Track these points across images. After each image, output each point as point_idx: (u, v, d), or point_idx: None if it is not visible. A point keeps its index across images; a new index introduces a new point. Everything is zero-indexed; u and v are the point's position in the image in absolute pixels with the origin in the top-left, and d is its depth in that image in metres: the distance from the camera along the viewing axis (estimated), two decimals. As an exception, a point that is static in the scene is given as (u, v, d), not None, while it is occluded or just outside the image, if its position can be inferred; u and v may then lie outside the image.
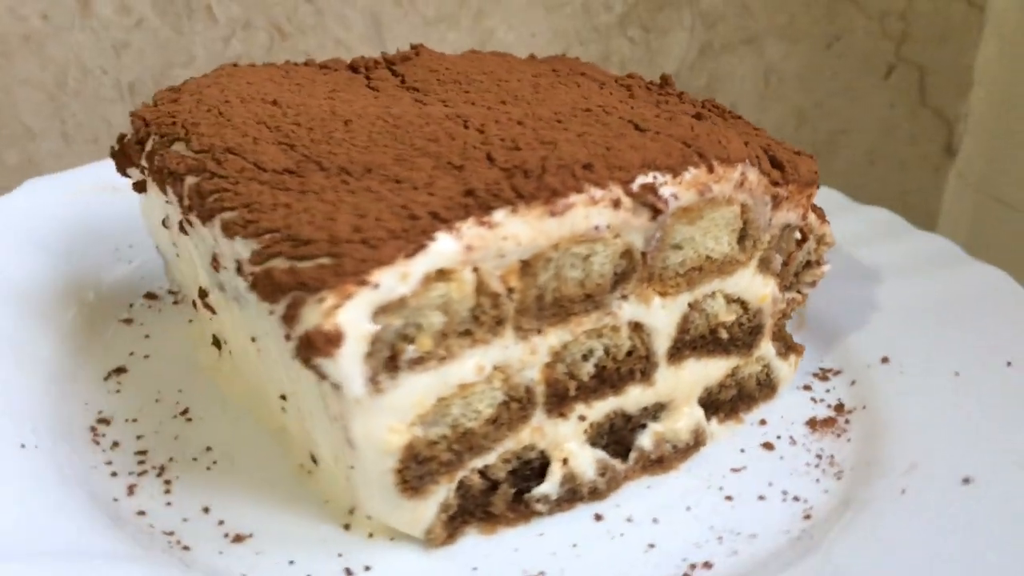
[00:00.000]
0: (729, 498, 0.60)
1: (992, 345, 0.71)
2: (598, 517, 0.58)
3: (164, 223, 0.66)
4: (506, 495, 0.56)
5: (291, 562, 0.53)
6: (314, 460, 0.58)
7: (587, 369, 0.57)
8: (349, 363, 0.46)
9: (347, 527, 0.56)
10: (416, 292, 0.48)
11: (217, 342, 0.68)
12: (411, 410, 0.50)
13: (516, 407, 0.55)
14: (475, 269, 0.50)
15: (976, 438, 0.62)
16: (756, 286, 0.64)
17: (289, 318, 0.46)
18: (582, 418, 0.58)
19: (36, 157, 0.95)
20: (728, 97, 1.08)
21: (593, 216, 0.53)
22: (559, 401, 0.57)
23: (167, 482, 0.59)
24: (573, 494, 0.58)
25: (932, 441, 0.63)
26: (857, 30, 1.08)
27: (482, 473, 0.55)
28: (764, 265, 0.64)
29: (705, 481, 0.62)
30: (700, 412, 0.64)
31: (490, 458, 0.55)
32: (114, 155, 0.67)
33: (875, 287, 0.81)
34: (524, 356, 0.54)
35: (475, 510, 0.56)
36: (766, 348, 0.67)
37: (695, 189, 0.56)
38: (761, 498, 0.60)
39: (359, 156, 0.54)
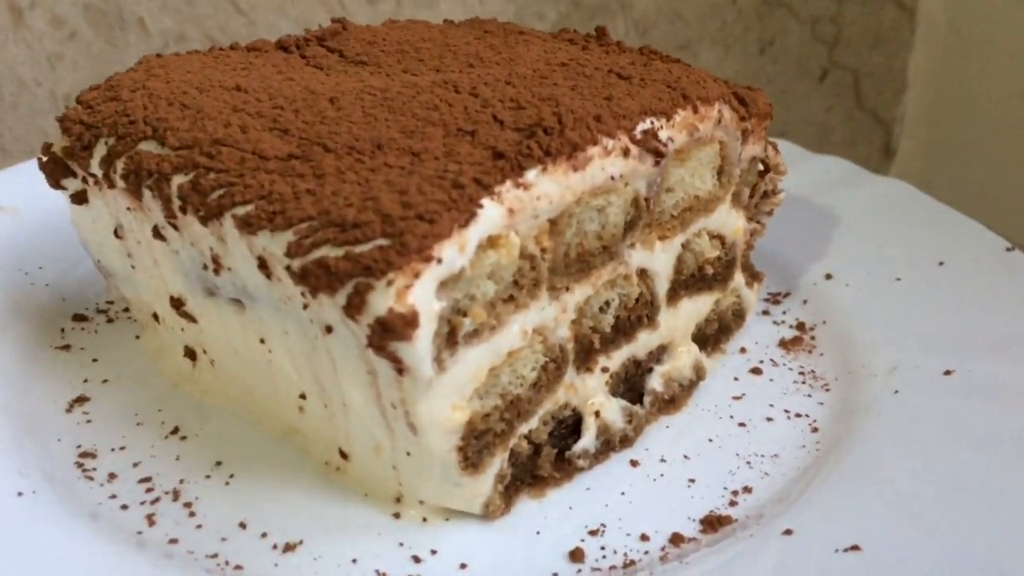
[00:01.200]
0: (742, 424, 0.63)
1: (922, 247, 0.77)
2: (634, 463, 0.59)
3: (116, 233, 0.61)
4: (550, 456, 0.56)
5: (354, 560, 0.51)
6: (344, 456, 0.56)
7: (608, 320, 0.58)
8: (423, 344, 0.44)
9: (397, 516, 0.54)
10: (472, 262, 0.46)
11: (191, 353, 0.63)
12: (469, 385, 0.49)
13: (553, 367, 0.55)
14: (515, 232, 0.49)
15: (939, 333, 0.68)
16: (732, 220, 0.66)
17: (355, 306, 0.43)
18: (604, 370, 0.59)
19: None
20: None
21: (608, 167, 0.53)
22: (586, 356, 0.57)
23: (187, 505, 0.55)
24: (607, 445, 0.59)
25: (901, 343, 0.68)
26: (790, 35, 1.10)
27: (527, 438, 0.55)
28: (736, 199, 0.66)
29: (715, 413, 0.64)
30: (695, 348, 0.66)
31: (533, 422, 0.55)
32: (45, 166, 0.61)
33: (802, 211, 0.85)
34: (557, 315, 0.54)
35: (524, 476, 0.55)
36: (738, 279, 0.70)
37: (686, 130, 0.58)
38: (769, 419, 0.63)
39: (362, 132, 0.52)
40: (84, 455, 0.58)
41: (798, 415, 0.64)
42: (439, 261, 0.44)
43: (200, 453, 0.59)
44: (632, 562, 0.51)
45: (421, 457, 0.50)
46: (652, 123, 0.55)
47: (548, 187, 0.50)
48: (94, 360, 0.68)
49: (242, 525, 0.53)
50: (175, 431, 0.60)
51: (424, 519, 0.54)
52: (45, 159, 0.61)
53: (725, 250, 0.67)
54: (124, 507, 0.55)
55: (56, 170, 0.61)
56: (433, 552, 0.52)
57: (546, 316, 0.53)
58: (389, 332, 0.43)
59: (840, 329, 0.72)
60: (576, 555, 0.52)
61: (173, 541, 0.52)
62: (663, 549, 0.52)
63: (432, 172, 0.48)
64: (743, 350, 0.71)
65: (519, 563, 0.51)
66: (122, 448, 0.59)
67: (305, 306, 0.48)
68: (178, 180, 0.51)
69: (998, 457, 0.55)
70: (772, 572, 0.48)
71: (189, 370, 0.64)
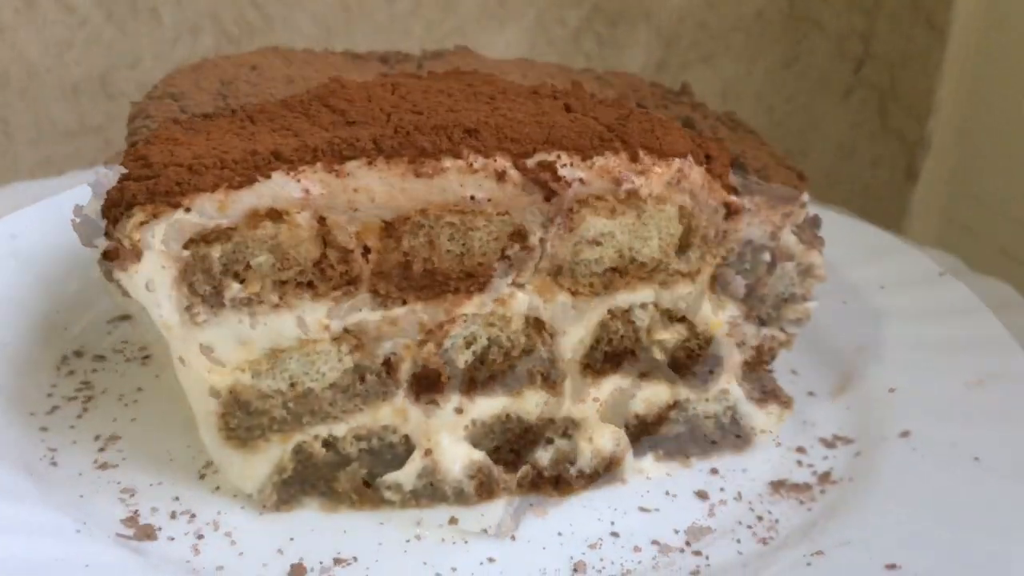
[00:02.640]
0: (615, 535, 0.53)
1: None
2: (453, 520, 0.53)
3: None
4: (354, 474, 0.53)
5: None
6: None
7: (465, 356, 0.53)
8: (148, 279, 0.46)
9: (201, 477, 0.55)
10: (240, 227, 0.47)
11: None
12: (236, 352, 0.49)
13: (373, 379, 0.52)
14: (322, 219, 0.48)
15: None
16: (706, 308, 0.56)
17: (107, 233, 0.47)
18: (459, 411, 0.54)
19: None
20: None
21: (469, 185, 0.49)
22: (429, 385, 0.53)
23: (228, 534, 0.53)
24: (432, 490, 0.53)
25: (882, 527, 0.52)
26: (816, 51, 1.04)
27: (327, 443, 0.53)
28: (720, 286, 0.56)
29: (597, 512, 0.54)
30: (624, 441, 0.56)
31: (338, 429, 0.53)
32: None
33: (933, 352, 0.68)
34: (383, 325, 0.51)
35: (317, 482, 0.53)
36: (730, 387, 0.59)
37: (608, 177, 0.51)
38: (655, 543, 0.52)
39: (273, 109, 0.54)
40: (125, 491, 0.56)
41: (696, 553, 0.52)
42: (187, 210, 0.46)
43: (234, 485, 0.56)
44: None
45: (196, 412, 0.51)
46: (558, 157, 0.50)
47: (373, 183, 0.48)
48: (119, 398, 0.64)
49: (280, 551, 0.52)
50: (208, 465, 0.57)
51: (217, 488, 0.54)
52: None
53: (698, 341, 0.57)
54: (171, 539, 0.52)
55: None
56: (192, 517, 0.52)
57: (365, 320, 0.51)
58: (110, 258, 0.45)
59: (859, 490, 0.56)
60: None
61: (220, 568, 0.51)
62: None
63: (263, 143, 0.49)
64: (714, 471, 0.59)
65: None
66: (160, 483, 0.56)
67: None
68: (136, 123, 0.59)
69: None
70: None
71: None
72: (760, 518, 0.55)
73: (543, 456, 0.55)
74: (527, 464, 0.55)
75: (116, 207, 0.47)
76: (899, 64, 1.06)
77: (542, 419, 0.56)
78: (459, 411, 0.54)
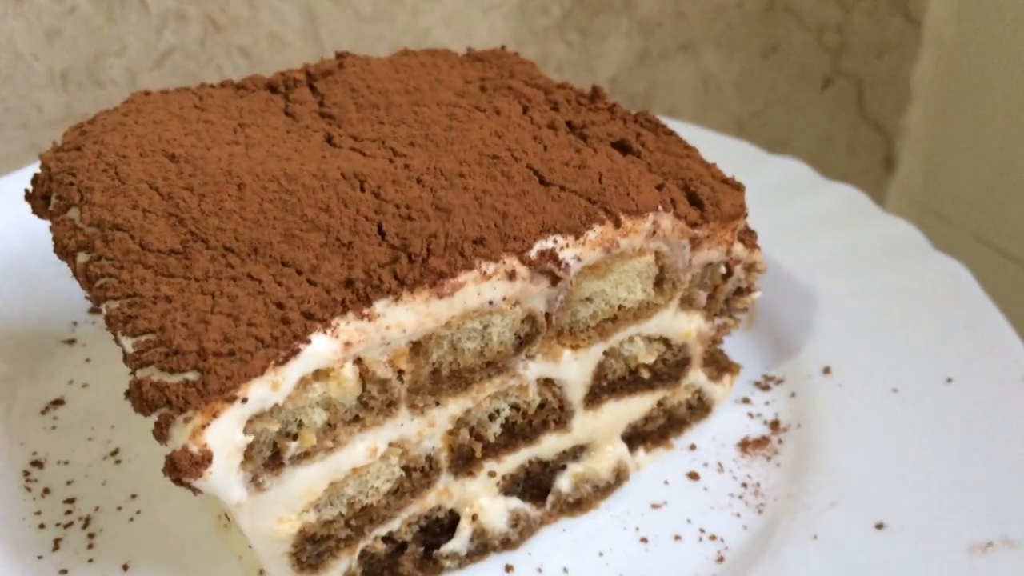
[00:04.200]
0: (644, 540, 0.61)
1: (930, 358, 0.70)
2: (508, 568, 0.59)
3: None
4: (415, 554, 0.57)
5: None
6: (227, 518, 0.59)
7: (493, 429, 0.57)
8: (221, 477, 0.46)
9: (260, 586, 0.57)
10: (292, 396, 0.47)
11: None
12: (301, 500, 0.51)
13: (418, 476, 0.55)
14: (358, 360, 0.49)
15: (902, 480, 0.62)
16: (679, 324, 0.62)
17: (159, 436, 0.46)
18: (492, 474, 0.58)
19: None
20: (667, 104, 1.06)
21: (486, 291, 0.51)
22: (465, 463, 0.57)
23: (91, 535, 0.60)
24: (484, 547, 0.59)
25: (856, 477, 0.62)
26: (794, 41, 1.06)
27: (387, 539, 0.56)
28: (687, 303, 0.62)
29: (622, 521, 0.62)
30: (623, 449, 0.63)
31: (394, 524, 0.56)
32: (28, 198, 0.66)
33: (824, 282, 0.79)
34: (422, 429, 0.54)
35: (382, 572, 0.57)
36: (695, 376, 0.66)
37: (600, 247, 0.54)
38: (677, 538, 0.61)
39: (247, 232, 0.53)
40: (34, 464, 0.65)
41: (712, 537, 0.61)
42: (244, 401, 0.45)
43: (124, 482, 0.64)
44: None
45: (259, 552, 0.53)
46: (555, 242, 0.53)
47: (402, 316, 0.49)
48: (87, 360, 0.74)
49: (124, 567, 0.58)
50: (114, 453, 0.66)
51: (279, 599, 0.56)
52: (29, 192, 0.66)
53: (673, 352, 0.63)
54: (41, 526, 0.60)
55: (35, 206, 0.65)
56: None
57: (406, 431, 0.53)
58: (177, 470, 0.45)
59: (811, 440, 0.67)
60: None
61: (63, 572, 0.57)
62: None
63: (278, 297, 0.48)
64: (692, 447, 0.68)
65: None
66: (66, 463, 0.65)
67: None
68: (81, 258, 0.54)
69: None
70: None
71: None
72: (744, 485, 0.65)
73: (564, 483, 0.62)
74: (552, 495, 0.61)
75: (158, 409, 0.46)
76: (876, 55, 1.07)
77: (557, 454, 0.61)
78: (492, 474, 0.58)
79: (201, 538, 0.60)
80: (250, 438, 0.46)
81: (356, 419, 0.51)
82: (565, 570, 0.59)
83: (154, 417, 0.46)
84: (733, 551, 0.60)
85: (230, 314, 0.48)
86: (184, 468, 0.45)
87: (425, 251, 0.50)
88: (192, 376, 0.45)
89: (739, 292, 0.65)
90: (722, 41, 1.03)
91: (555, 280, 0.53)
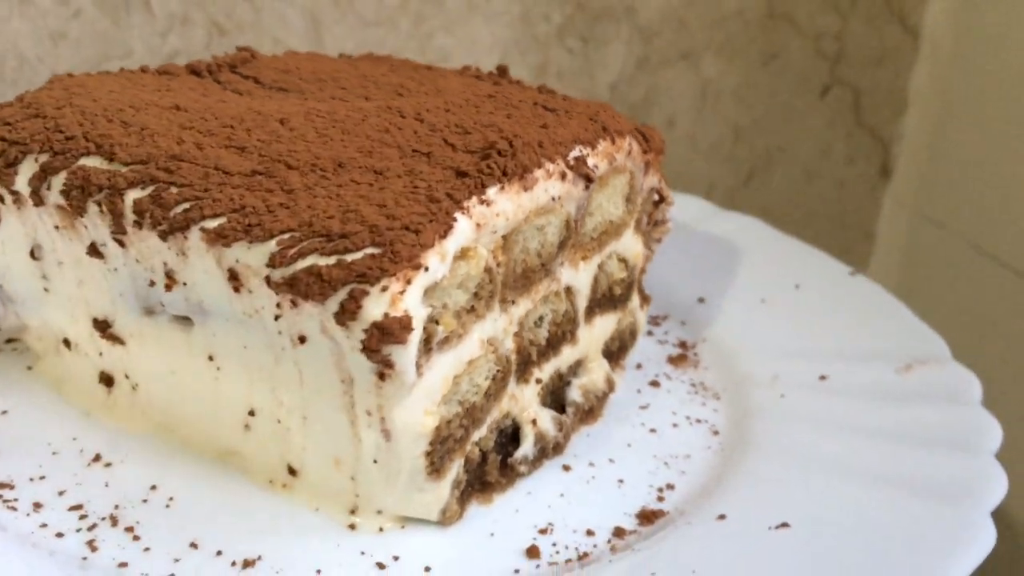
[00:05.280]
0: (653, 430, 0.68)
1: (779, 274, 0.86)
2: (566, 468, 0.62)
3: (33, 254, 0.58)
4: (496, 463, 0.59)
5: (318, 571, 0.51)
6: (292, 472, 0.56)
7: (542, 334, 0.61)
8: (413, 348, 0.46)
9: (352, 527, 0.54)
10: (448, 273, 0.49)
11: (108, 379, 0.61)
12: (439, 391, 0.51)
13: (500, 377, 0.58)
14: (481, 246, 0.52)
15: (806, 345, 0.76)
16: (633, 245, 0.72)
17: (349, 312, 0.45)
18: (538, 381, 0.62)
19: None
20: (666, 111, 1.09)
21: (550, 188, 0.57)
22: (524, 367, 0.61)
23: (129, 529, 0.53)
24: (543, 452, 0.62)
25: (776, 355, 0.76)
26: (793, 49, 1.09)
27: (477, 445, 0.57)
28: (637, 225, 0.72)
29: (627, 421, 0.69)
30: (606, 362, 0.70)
31: (483, 430, 0.57)
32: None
33: (671, 243, 0.93)
34: (506, 327, 0.57)
35: (475, 482, 0.58)
36: (634, 301, 0.76)
37: (606, 159, 0.63)
38: (675, 425, 0.69)
39: (321, 151, 0.53)
40: (2, 486, 0.55)
41: (698, 420, 0.70)
42: (426, 269, 0.47)
43: (130, 478, 0.57)
44: (585, 554, 0.55)
45: (388, 464, 0.51)
46: (581, 151, 0.60)
47: (505, 205, 0.53)
48: (-29, 393, 0.64)
49: (193, 545, 0.52)
50: (97, 458, 0.58)
51: (380, 529, 0.54)
52: (-48, 176, 0.57)
53: (629, 272, 0.72)
54: (59, 535, 0.52)
55: (-34, 188, 0.57)
56: (396, 558, 0.53)
57: (497, 327, 0.56)
58: (387, 335, 0.45)
59: (719, 345, 0.79)
60: (532, 552, 0.54)
61: (122, 565, 0.50)
62: (609, 542, 0.56)
63: (402, 188, 0.50)
64: (639, 366, 0.76)
65: (480, 563, 0.53)
66: (42, 477, 0.56)
67: (277, 317, 0.49)
68: (134, 195, 0.51)
69: (875, 443, 0.63)
70: (715, 551, 0.53)
71: (103, 397, 0.62)
72: (693, 384, 0.75)
73: (575, 394, 0.67)
74: (570, 406, 0.66)
75: (346, 285, 0.45)
76: (874, 63, 1.09)
77: (568, 366, 0.67)
78: (538, 381, 0.62)
79: (257, 504, 0.56)
80: (429, 309, 0.47)
81: (472, 309, 0.53)
82: (611, 460, 0.64)
83: (339, 297, 0.45)
84: (720, 425, 0.69)
85: (371, 203, 0.49)
86: (395, 332, 0.45)
87: (511, 148, 0.55)
88: (373, 250, 0.46)
89: (656, 224, 0.77)
90: (722, 49, 1.06)
91: (588, 183, 0.61)
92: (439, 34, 0.96)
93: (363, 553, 0.53)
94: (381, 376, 0.47)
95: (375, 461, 0.52)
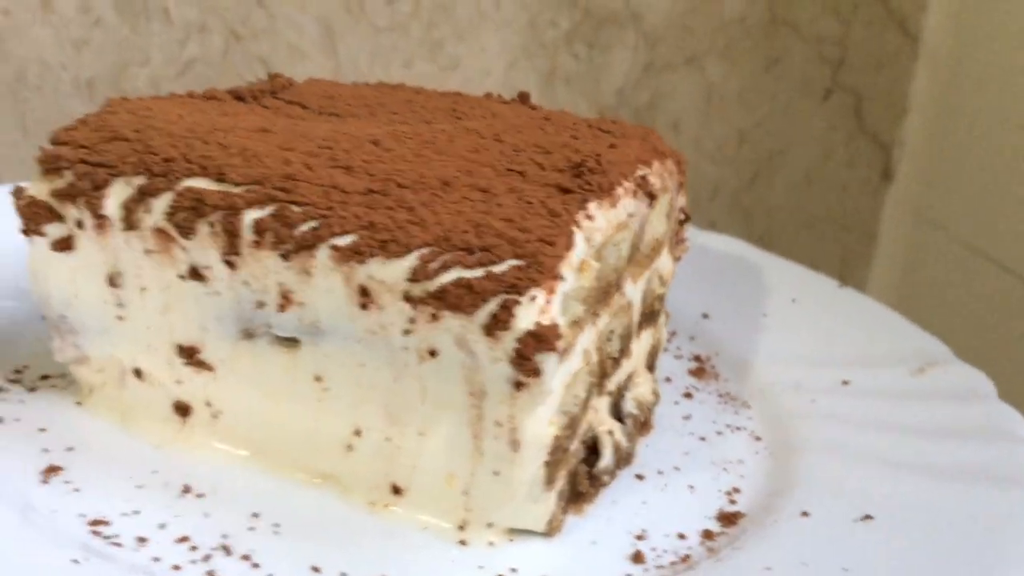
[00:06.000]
0: (703, 439, 0.71)
1: (775, 289, 0.92)
2: (639, 477, 0.65)
3: (112, 281, 0.57)
4: (584, 473, 0.60)
5: (443, 588, 0.52)
6: (396, 491, 0.56)
7: (615, 347, 0.64)
8: (556, 358, 0.48)
9: (463, 543, 0.55)
10: (574, 285, 0.51)
11: (183, 408, 0.60)
12: (557, 401, 0.53)
13: (591, 388, 0.60)
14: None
15: (818, 353, 0.81)
16: (667, 261, 0.75)
17: (501, 322, 0.46)
18: (610, 393, 0.64)
19: None
20: (671, 114, 1.10)
21: (628, 206, 0.60)
22: (601, 379, 0.63)
23: (245, 557, 0.52)
24: (619, 462, 0.64)
25: (793, 363, 0.80)
26: (795, 54, 1.11)
27: (573, 456, 0.59)
28: (670, 242, 0.75)
29: (677, 431, 0.71)
30: (649, 374, 0.73)
31: (575, 442, 0.59)
32: (25, 211, 0.56)
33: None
34: (595, 339, 0.59)
35: (571, 493, 0.59)
36: (662, 315, 0.79)
37: (659, 178, 0.66)
38: (719, 433, 0.72)
39: (425, 171, 0.54)
40: (97, 523, 0.53)
41: (738, 428, 0.73)
42: (564, 280, 0.48)
43: (229, 507, 0.56)
44: (686, 556, 0.57)
45: (510, 476, 0.52)
46: (643, 170, 0.63)
47: (600, 220, 0.56)
48: (41, 429, 0.61)
49: (316, 569, 0.52)
50: (187, 490, 0.57)
51: (490, 543, 0.55)
52: (23, 204, 0.56)
53: (664, 288, 0.75)
54: (176, 567, 0.51)
55: (38, 216, 0.56)
56: (513, 570, 0.54)
57: (590, 339, 0.58)
58: (542, 343, 0.46)
59: (734, 358, 0.83)
60: (638, 557, 0.56)
61: None
62: (701, 544, 0.58)
63: (514, 204, 0.52)
64: (668, 379, 0.79)
65: (592, 570, 0.55)
66: (136, 512, 0.54)
67: (406, 332, 0.49)
68: (253, 215, 0.50)
69: (919, 438, 0.68)
70: (810, 544, 0.56)
71: (177, 427, 0.60)
72: (720, 394, 0.78)
73: (630, 406, 0.69)
74: (628, 419, 0.68)
75: (496, 296, 0.46)
76: (874, 68, 1.11)
77: (624, 379, 0.69)
78: (609, 393, 0.64)
79: (366, 526, 0.55)
80: (569, 318, 0.49)
81: (577, 321, 0.55)
82: (676, 468, 0.66)
83: (489, 308, 0.46)
84: (758, 430, 0.73)
85: (501, 217, 0.50)
86: (549, 339, 0.46)
87: (598, 166, 0.57)
88: (517, 262, 0.47)
89: (681, 240, 0.81)
90: (725, 54, 1.08)
91: (652, 200, 0.64)
92: (450, 41, 0.98)
93: (481, 567, 0.53)
94: (518, 386, 0.49)
95: (496, 473, 0.52)
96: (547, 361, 0.47)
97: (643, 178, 0.62)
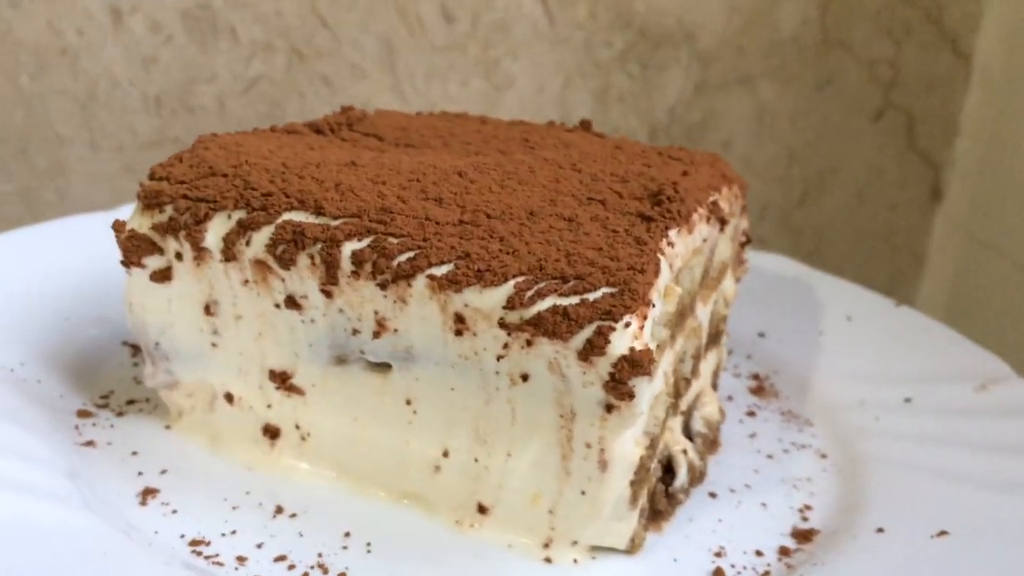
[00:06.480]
0: (770, 456, 0.72)
1: (831, 308, 0.93)
2: (712, 495, 0.66)
3: (208, 309, 0.59)
4: (662, 492, 0.62)
5: (531, 605, 0.53)
6: (482, 511, 0.58)
7: (687, 368, 0.65)
8: (651, 381, 0.49)
9: (548, 560, 0.57)
10: (661, 311, 0.53)
11: (273, 431, 0.62)
12: (642, 423, 0.54)
13: (668, 410, 0.61)
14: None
15: (878, 370, 0.82)
16: (730, 283, 0.77)
17: (597, 348, 0.48)
18: (682, 413, 0.66)
19: (65, 162, 0.99)
20: (722, 134, 1.12)
21: (702, 231, 0.61)
22: (676, 399, 0.64)
23: (341, 575, 0.54)
24: (692, 480, 0.65)
25: (854, 381, 0.81)
26: (848, 74, 1.12)
27: (652, 475, 0.61)
28: (732, 265, 0.77)
29: (744, 449, 0.73)
30: (715, 394, 0.75)
31: (655, 461, 0.61)
32: (126, 244, 0.58)
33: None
34: (672, 361, 0.61)
35: (649, 511, 0.61)
36: (724, 336, 0.80)
37: (727, 204, 0.68)
38: (785, 451, 0.73)
39: (511, 201, 0.56)
40: (196, 543, 0.55)
41: (803, 446, 0.74)
42: (654, 306, 0.50)
43: (322, 527, 0.58)
44: (766, 573, 0.58)
45: (596, 495, 0.54)
46: (714, 196, 0.65)
47: (680, 247, 0.57)
48: (133, 453, 0.63)
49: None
50: (280, 510, 0.59)
51: (575, 560, 0.57)
52: (125, 237, 0.58)
53: (727, 309, 0.77)
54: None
55: (140, 248, 0.58)
56: (597, 586, 0.55)
57: (668, 362, 0.60)
58: (637, 368, 0.48)
59: (794, 376, 0.84)
60: (719, 574, 0.57)
61: None
62: (780, 560, 0.60)
63: (599, 232, 0.54)
64: (730, 398, 0.81)
65: (675, 587, 0.56)
66: (233, 532, 0.57)
67: (499, 358, 0.51)
68: (351, 246, 0.52)
69: (988, 454, 0.69)
70: (888, 560, 0.57)
71: (266, 450, 0.62)
72: (781, 412, 0.80)
73: (699, 425, 0.71)
74: (698, 438, 0.70)
75: (592, 323, 0.48)
76: (926, 88, 1.11)
77: (692, 399, 0.71)
78: (682, 413, 0.66)
79: (453, 546, 0.57)
80: (656, 342, 0.51)
81: (660, 346, 0.57)
82: (747, 486, 0.68)
83: (585, 334, 0.48)
84: (823, 447, 0.74)
85: (590, 246, 0.52)
86: (644, 364, 0.48)
87: (675, 194, 0.59)
88: (609, 289, 0.49)
89: (741, 262, 0.82)
90: (778, 74, 1.09)
91: (723, 225, 0.65)
92: (505, 60, 1.00)
93: (567, 584, 0.55)
94: (608, 409, 0.50)
95: (583, 493, 0.54)
96: (640, 385, 0.49)
97: (715, 203, 0.64)
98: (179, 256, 0.58)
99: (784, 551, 0.61)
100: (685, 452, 0.65)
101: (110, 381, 0.71)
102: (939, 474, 0.67)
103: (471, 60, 0.99)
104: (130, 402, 0.69)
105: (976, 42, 1.10)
